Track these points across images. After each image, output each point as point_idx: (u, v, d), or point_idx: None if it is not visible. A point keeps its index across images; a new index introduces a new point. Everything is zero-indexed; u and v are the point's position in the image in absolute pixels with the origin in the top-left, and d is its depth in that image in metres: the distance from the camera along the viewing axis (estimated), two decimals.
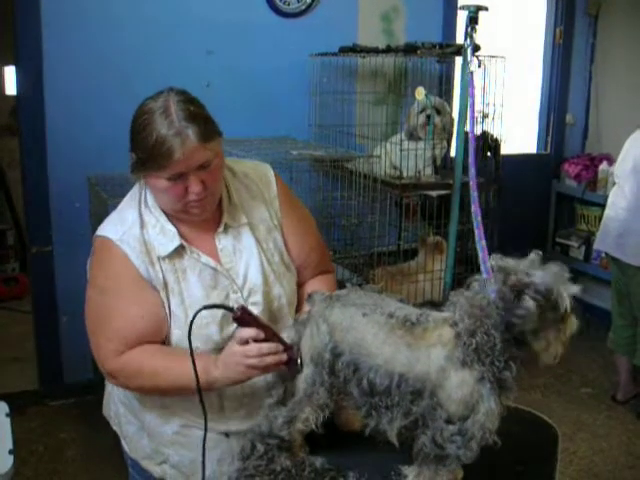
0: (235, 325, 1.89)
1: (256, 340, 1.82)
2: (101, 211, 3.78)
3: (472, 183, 2.59)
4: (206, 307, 1.83)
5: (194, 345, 1.84)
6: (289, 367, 1.85)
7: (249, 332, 1.82)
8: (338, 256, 4.35)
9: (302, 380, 1.81)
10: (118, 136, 4.14)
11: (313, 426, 1.82)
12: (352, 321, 1.73)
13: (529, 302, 1.56)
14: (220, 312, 1.94)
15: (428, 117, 4.19)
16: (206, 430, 1.88)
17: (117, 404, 2.22)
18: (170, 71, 4.26)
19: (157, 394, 2.03)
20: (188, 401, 2.01)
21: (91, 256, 2.05)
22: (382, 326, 1.69)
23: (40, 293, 4.53)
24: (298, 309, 2.17)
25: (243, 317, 1.83)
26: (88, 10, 4.27)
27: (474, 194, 2.51)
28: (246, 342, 1.82)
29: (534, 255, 1.62)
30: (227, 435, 2.08)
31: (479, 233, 2.39)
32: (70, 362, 4.60)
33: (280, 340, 1.85)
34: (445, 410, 1.60)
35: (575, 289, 1.62)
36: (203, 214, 1.98)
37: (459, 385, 1.59)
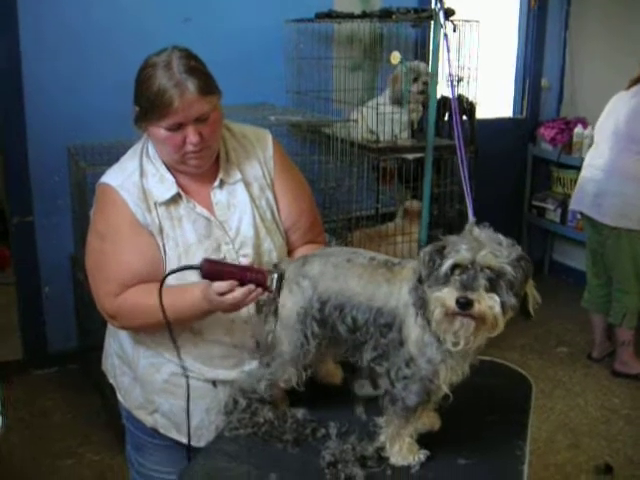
0: None
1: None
2: (80, 180, 3.81)
3: (457, 143, 2.62)
4: (170, 273, 1.92)
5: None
6: (269, 291, 1.89)
7: (223, 286, 1.86)
8: None
9: (285, 343, 1.85)
10: (96, 106, 4.23)
11: (294, 385, 1.88)
12: (336, 268, 1.79)
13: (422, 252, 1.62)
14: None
15: (425, 84, 4.22)
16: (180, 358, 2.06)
17: (113, 356, 2.31)
18: (148, 39, 4.20)
19: (156, 330, 2.08)
20: (178, 350, 2.08)
21: (94, 203, 2.14)
22: (366, 267, 1.77)
23: (22, 263, 4.54)
24: None
25: (210, 271, 1.87)
26: None
27: (459, 152, 2.53)
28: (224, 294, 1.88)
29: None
30: (214, 384, 2.14)
31: (464, 172, 2.41)
32: (53, 331, 4.63)
33: (253, 272, 1.88)
34: (407, 350, 1.68)
35: (460, 258, 1.53)
36: (200, 166, 2.07)
37: (413, 325, 1.66)
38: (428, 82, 4.15)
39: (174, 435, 2.20)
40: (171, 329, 1.98)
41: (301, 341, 1.82)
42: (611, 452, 3.90)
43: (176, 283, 1.96)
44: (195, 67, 1.96)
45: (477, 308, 1.50)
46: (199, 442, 2.15)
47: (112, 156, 3.57)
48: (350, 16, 4.53)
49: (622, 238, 4.48)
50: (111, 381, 2.36)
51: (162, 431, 2.20)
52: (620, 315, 4.60)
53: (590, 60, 6.06)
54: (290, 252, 2.25)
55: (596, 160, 4.62)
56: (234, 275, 1.87)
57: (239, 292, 1.86)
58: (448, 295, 1.51)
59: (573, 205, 4.91)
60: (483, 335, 1.57)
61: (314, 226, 2.32)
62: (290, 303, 1.84)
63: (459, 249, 1.54)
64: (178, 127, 1.94)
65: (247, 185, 2.16)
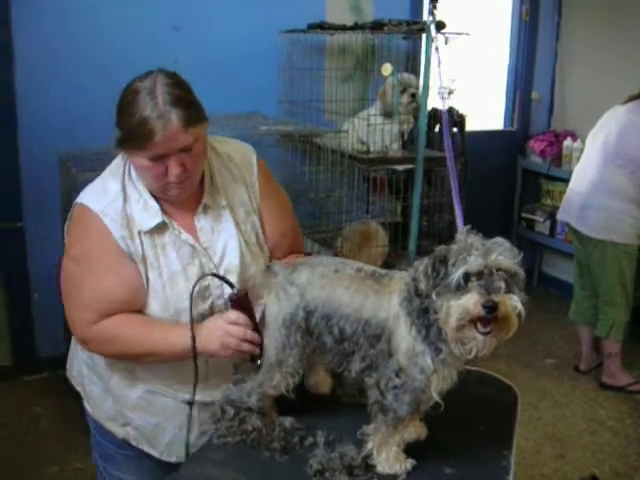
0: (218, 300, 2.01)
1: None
2: (71, 187, 3.81)
3: (447, 154, 2.63)
4: (213, 275, 1.97)
5: (174, 320, 1.98)
6: (253, 360, 1.96)
7: (244, 319, 1.92)
8: (307, 230, 4.40)
9: (271, 348, 1.87)
10: (87, 112, 4.23)
11: (283, 391, 1.88)
12: (323, 278, 1.81)
13: (419, 263, 1.64)
14: (196, 288, 1.96)
15: (413, 95, 4.24)
16: (194, 394, 2.02)
17: (80, 364, 2.25)
18: (138, 48, 4.28)
19: (130, 361, 2.06)
20: (154, 369, 2.07)
21: (69, 222, 2.06)
22: (353, 278, 1.78)
23: (12, 269, 4.53)
24: None
25: (240, 301, 1.94)
26: None
27: (449, 164, 2.55)
28: (233, 324, 1.92)
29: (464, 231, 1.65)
30: (190, 404, 2.11)
31: (454, 183, 2.43)
32: (43, 337, 4.63)
33: (260, 334, 1.93)
34: (396, 361, 1.69)
35: (474, 265, 1.54)
36: (181, 196, 2.00)
37: (404, 336, 1.68)
38: (415, 94, 4.19)
39: (145, 447, 2.16)
40: (196, 359, 1.96)
41: (285, 345, 1.83)
42: (597, 463, 3.92)
43: (160, 317, 1.99)
44: (181, 96, 1.86)
45: (503, 310, 1.53)
46: (170, 457, 2.15)
47: (103, 163, 3.55)
48: (342, 28, 4.56)
49: (607, 251, 4.51)
50: (78, 389, 2.29)
51: (134, 443, 2.17)
52: (607, 327, 4.62)
53: (580, 73, 6.10)
54: None
55: (584, 173, 4.65)
56: (254, 320, 1.95)
57: (250, 332, 1.91)
58: (472, 301, 1.53)
59: (560, 215, 4.94)
60: (499, 338, 1.60)
61: (296, 242, 2.33)
62: (276, 309, 1.85)
63: (468, 256, 1.55)
64: (160, 157, 1.87)
65: (232, 210, 2.11)
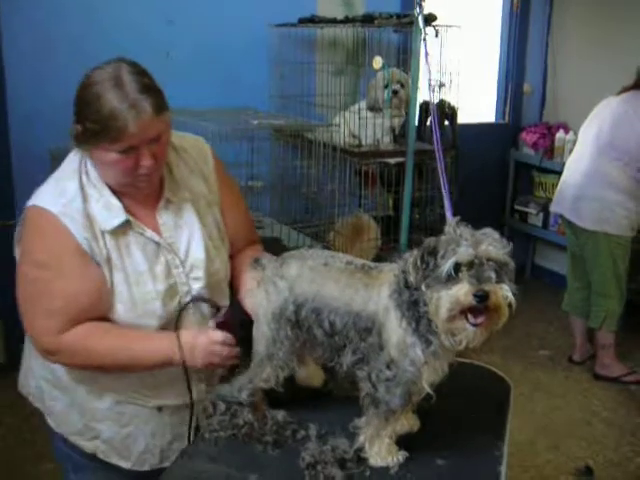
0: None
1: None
2: None
3: (435, 146, 2.62)
4: (197, 299, 1.99)
5: (141, 321, 1.95)
6: (232, 369, 1.98)
7: (227, 338, 1.93)
8: (299, 225, 4.40)
9: (261, 342, 1.87)
10: None
11: (273, 385, 1.88)
12: (313, 271, 1.80)
13: (409, 255, 1.64)
14: (163, 287, 1.96)
15: (395, 92, 4.25)
16: (191, 398, 2.03)
17: (38, 380, 2.16)
18: (131, 41, 4.25)
19: (104, 371, 2.00)
20: (121, 377, 2.02)
21: (22, 227, 1.96)
22: (343, 271, 1.78)
23: (4, 267, 4.50)
24: (233, 280, 2.19)
25: (226, 321, 1.97)
26: None
27: (438, 155, 2.54)
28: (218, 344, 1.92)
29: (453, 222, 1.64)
30: (160, 409, 2.09)
31: (442, 174, 2.42)
32: None
33: (241, 346, 1.95)
34: (387, 353, 1.69)
35: (464, 255, 1.54)
36: (149, 188, 1.96)
37: (395, 328, 1.68)
38: (398, 90, 4.20)
39: (114, 460, 2.12)
40: (187, 372, 1.96)
41: (275, 339, 1.83)
42: (591, 454, 3.93)
43: (125, 320, 1.95)
44: (149, 84, 1.81)
45: (494, 299, 1.53)
46: (143, 467, 2.12)
47: None
48: (333, 21, 4.56)
49: (600, 242, 4.51)
50: (37, 405, 2.20)
51: (101, 456, 2.12)
52: (600, 319, 4.63)
53: (572, 65, 6.11)
54: (231, 257, 2.20)
55: (577, 164, 4.65)
56: (236, 336, 1.95)
57: (235, 350, 1.93)
58: (462, 291, 1.53)
59: (553, 207, 4.94)
60: (490, 329, 1.60)
61: (252, 230, 2.34)
62: (266, 303, 1.85)
63: (457, 247, 1.55)
64: (130, 149, 1.80)
65: (193, 203, 2.06)
